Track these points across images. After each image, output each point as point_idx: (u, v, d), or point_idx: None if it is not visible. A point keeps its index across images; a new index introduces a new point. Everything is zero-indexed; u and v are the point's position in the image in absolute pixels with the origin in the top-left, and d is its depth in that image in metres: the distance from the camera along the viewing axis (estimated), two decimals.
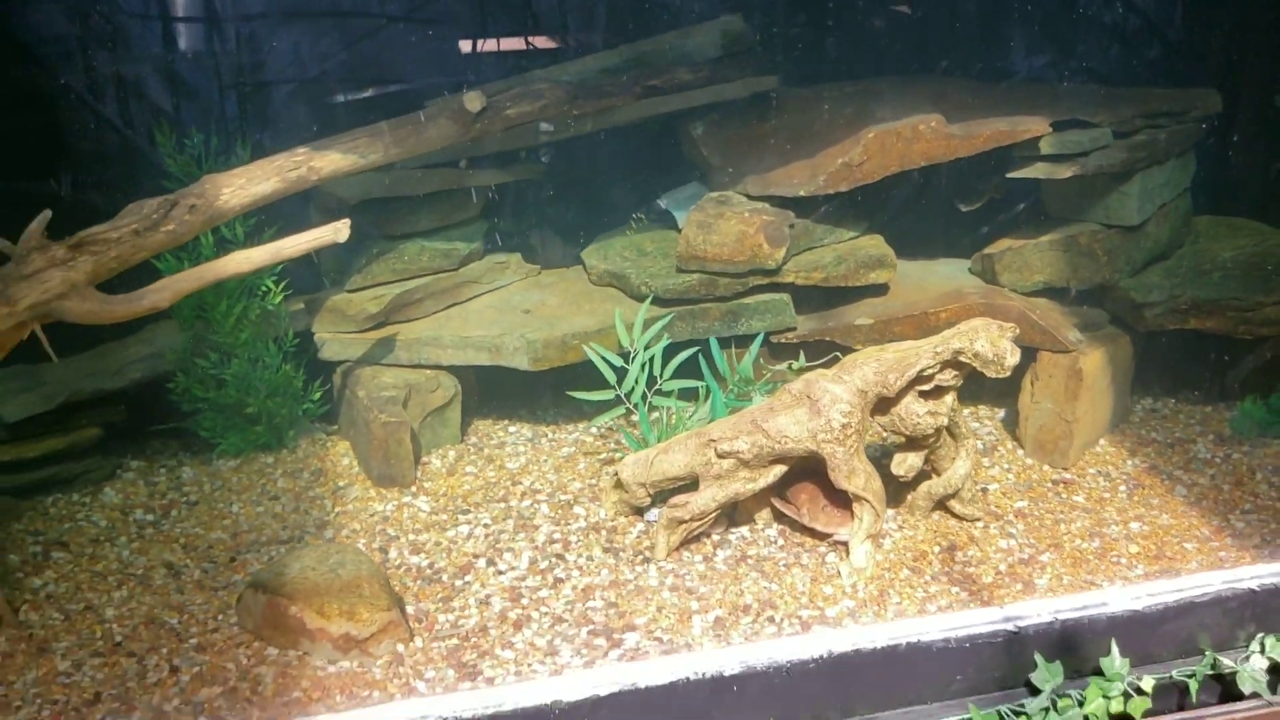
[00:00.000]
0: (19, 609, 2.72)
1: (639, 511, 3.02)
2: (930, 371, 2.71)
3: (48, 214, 2.61)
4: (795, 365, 3.11)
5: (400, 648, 2.51)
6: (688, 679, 2.31)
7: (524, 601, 2.69)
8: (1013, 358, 2.69)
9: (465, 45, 3.22)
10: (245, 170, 2.83)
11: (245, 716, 2.34)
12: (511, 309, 3.41)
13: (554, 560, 2.86)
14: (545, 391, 3.63)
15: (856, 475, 2.73)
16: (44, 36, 2.96)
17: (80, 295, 2.60)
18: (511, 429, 3.57)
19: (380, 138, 2.99)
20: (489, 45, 3.24)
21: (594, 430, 3.52)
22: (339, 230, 2.81)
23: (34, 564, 2.91)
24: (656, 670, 2.31)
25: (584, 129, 3.39)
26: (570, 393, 3.17)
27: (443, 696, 2.31)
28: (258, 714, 2.34)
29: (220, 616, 2.67)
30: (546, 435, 3.52)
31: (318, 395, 3.41)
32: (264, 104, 3.12)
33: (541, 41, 3.34)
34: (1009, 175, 3.33)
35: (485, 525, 3.03)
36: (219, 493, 3.25)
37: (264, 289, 3.24)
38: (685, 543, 2.88)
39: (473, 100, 3.05)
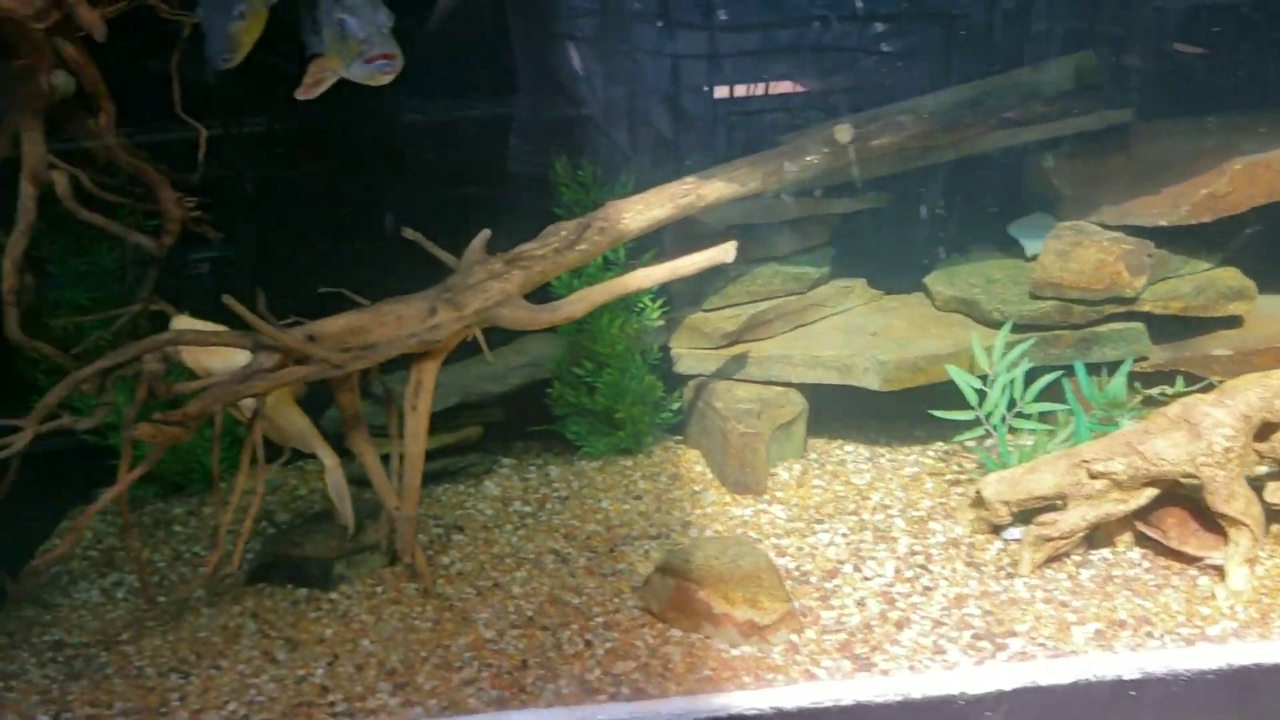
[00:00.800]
0: (435, 582, 3.09)
1: (996, 529, 3.16)
2: None
3: (488, 233, 3.00)
4: (1171, 390, 3.20)
5: (794, 638, 2.74)
6: (1088, 680, 2.44)
7: (899, 605, 2.88)
8: None
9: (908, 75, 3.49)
10: (643, 197, 3.16)
11: (662, 690, 2.61)
12: (857, 331, 3.63)
13: (918, 570, 3.04)
14: (877, 413, 3.81)
15: (1236, 499, 2.80)
16: (564, 70, 3.47)
17: (513, 304, 2.97)
18: (848, 447, 3.76)
19: (758, 167, 3.28)
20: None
21: (930, 453, 3.69)
22: (727, 251, 3.10)
23: (439, 544, 3.30)
24: (1058, 670, 2.46)
25: (935, 159, 3.59)
26: (933, 412, 3.34)
27: (854, 682, 2.53)
28: (674, 689, 2.61)
29: (616, 599, 2.97)
30: (883, 455, 3.70)
31: (677, 405, 3.72)
32: (750, 133, 3.48)
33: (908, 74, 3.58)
34: None
35: (843, 534, 3.23)
36: (586, 490, 3.59)
37: (641, 305, 3.57)
38: (1048, 561, 3.01)
39: (843, 132, 3.30)
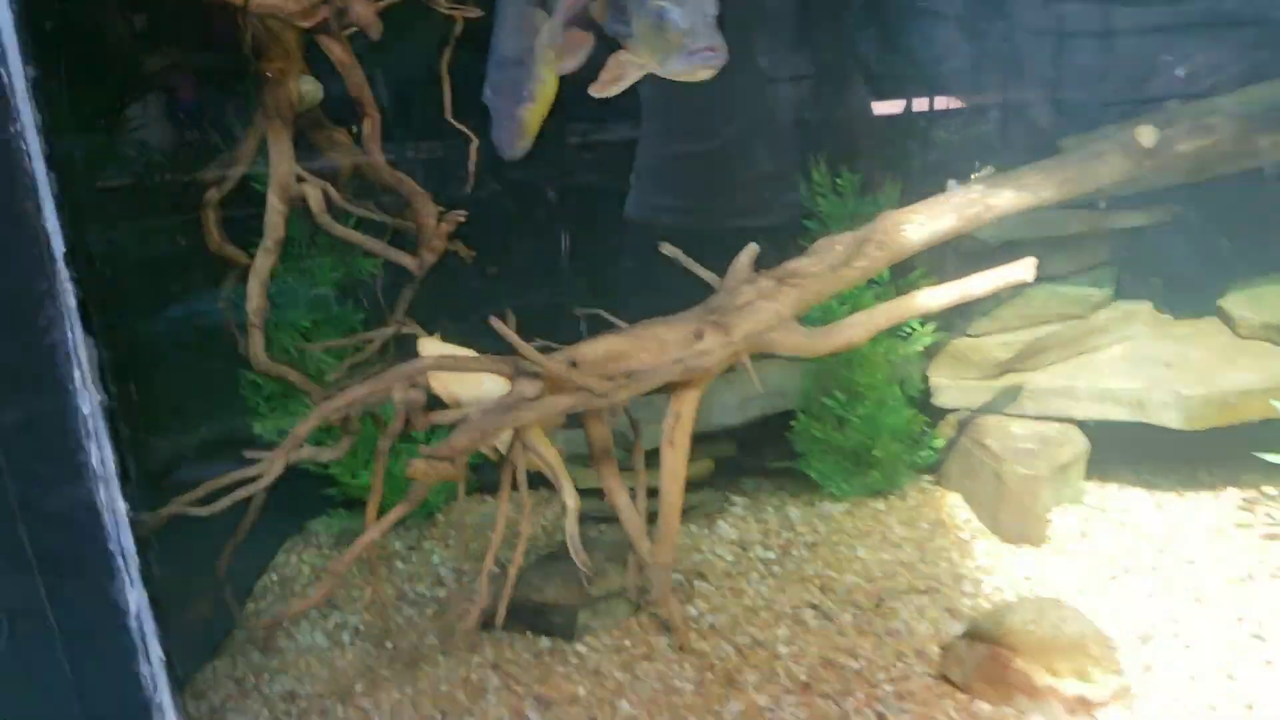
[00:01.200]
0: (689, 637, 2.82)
1: None
2: None
3: (755, 248, 2.73)
4: None
5: (1128, 715, 2.38)
6: None
7: (1244, 681, 2.49)
8: None
9: None
10: (924, 205, 2.85)
11: None
12: (1147, 361, 3.24)
13: (1254, 640, 2.64)
14: (1153, 453, 3.41)
15: None
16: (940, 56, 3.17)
17: (786, 328, 2.69)
18: (1128, 492, 3.36)
19: (1051, 175, 2.93)
20: None
21: (1224, 499, 3.27)
22: (1027, 268, 2.77)
23: (683, 592, 3.02)
24: None
25: (1235, 167, 3.19)
26: (1262, 454, 2.94)
27: None
28: None
29: (900, 664, 2.65)
30: (1170, 501, 3.29)
31: (939, 442, 3.37)
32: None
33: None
34: None
35: (1148, 594, 2.85)
36: (836, 536, 3.27)
37: (909, 330, 3.25)
38: None
39: (1146, 134, 2.94)
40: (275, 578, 3.26)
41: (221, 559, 2.59)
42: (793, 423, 3.38)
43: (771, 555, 3.20)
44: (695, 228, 3.60)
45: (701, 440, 3.34)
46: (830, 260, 2.73)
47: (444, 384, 2.62)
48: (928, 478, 3.51)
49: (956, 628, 2.72)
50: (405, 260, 2.54)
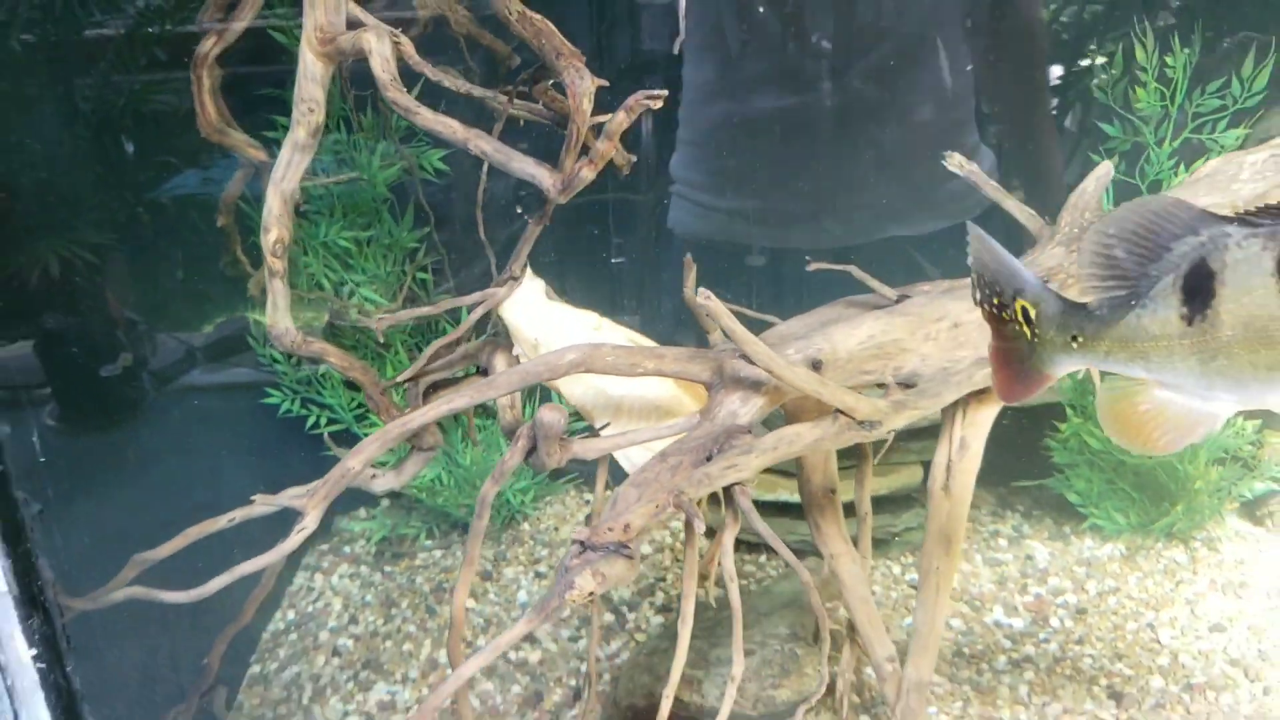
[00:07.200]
0: None
1: None
2: None
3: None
4: None
5: None
6: None
7: None
8: None
9: None
10: None
11: None
12: None
13: None
14: None
15: None
16: None
17: None
18: None
19: None
20: None
21: None
22: None
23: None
24: None
25: None
26: None
27: None
28: None
29: None
30: None
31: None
32: None
33: None
34: None
35: None
36: (1113, 598, 2.32)
37: None
38: None
39: None
40: (292, 616, 2.32)
41: (213, 653, 1.63)
42: (1060, 424, 2.40)
43: (1019, 625, 2.25)
44: None
45: (910, 437, 2.43)
46: None
47: (569, 386, 1.64)
48: (1246, 521, 2.54)
49: None
50: (538, 174, 1.48)
